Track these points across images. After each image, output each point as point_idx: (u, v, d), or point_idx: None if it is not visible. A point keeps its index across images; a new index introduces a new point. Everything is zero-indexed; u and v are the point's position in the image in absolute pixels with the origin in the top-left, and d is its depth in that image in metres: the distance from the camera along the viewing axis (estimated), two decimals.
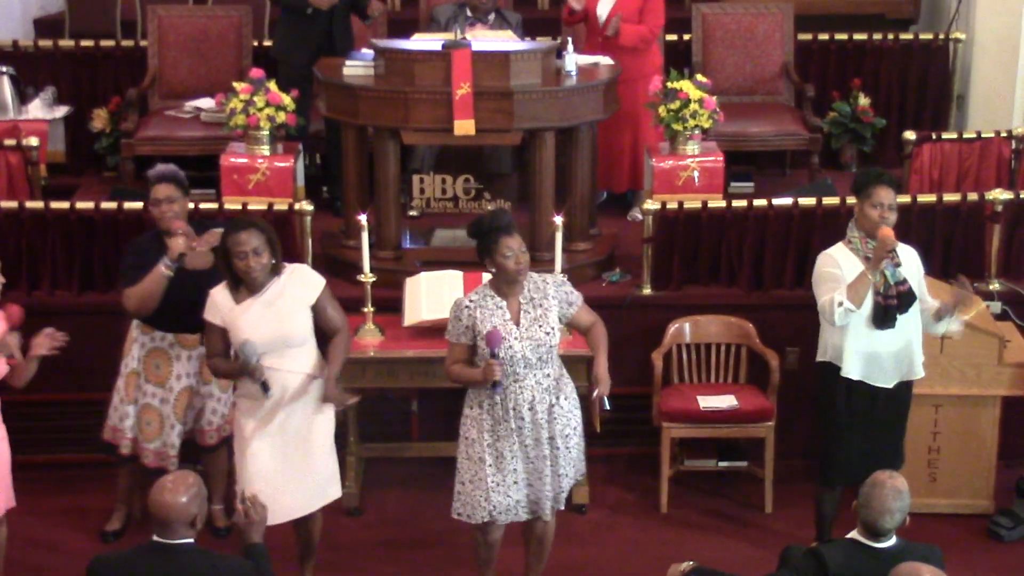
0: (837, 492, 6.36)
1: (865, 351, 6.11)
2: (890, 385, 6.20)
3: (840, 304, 5.98)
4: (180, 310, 6.23)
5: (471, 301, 5.76)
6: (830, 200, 7.51)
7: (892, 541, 4.88)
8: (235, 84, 7.74)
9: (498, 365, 5.63)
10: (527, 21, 8.75)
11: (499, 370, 5.63)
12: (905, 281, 6.05)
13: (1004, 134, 8.40)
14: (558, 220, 6.86)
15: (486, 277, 5.91)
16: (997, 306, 7.41)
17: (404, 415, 7.39)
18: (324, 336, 5.98)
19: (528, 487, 5.86)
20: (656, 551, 6.57)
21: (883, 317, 6.05)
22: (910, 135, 8.37)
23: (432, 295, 6.77)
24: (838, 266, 6.07)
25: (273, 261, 5.78)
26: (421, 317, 6.80)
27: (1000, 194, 7.57)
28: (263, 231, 5.75)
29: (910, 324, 6.15)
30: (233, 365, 5.83)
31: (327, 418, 5.97)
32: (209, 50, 8.93)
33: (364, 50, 7.81)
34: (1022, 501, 6.89)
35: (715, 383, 7.28)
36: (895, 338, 6.11)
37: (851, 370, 6.13)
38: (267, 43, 9.00)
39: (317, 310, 5.90)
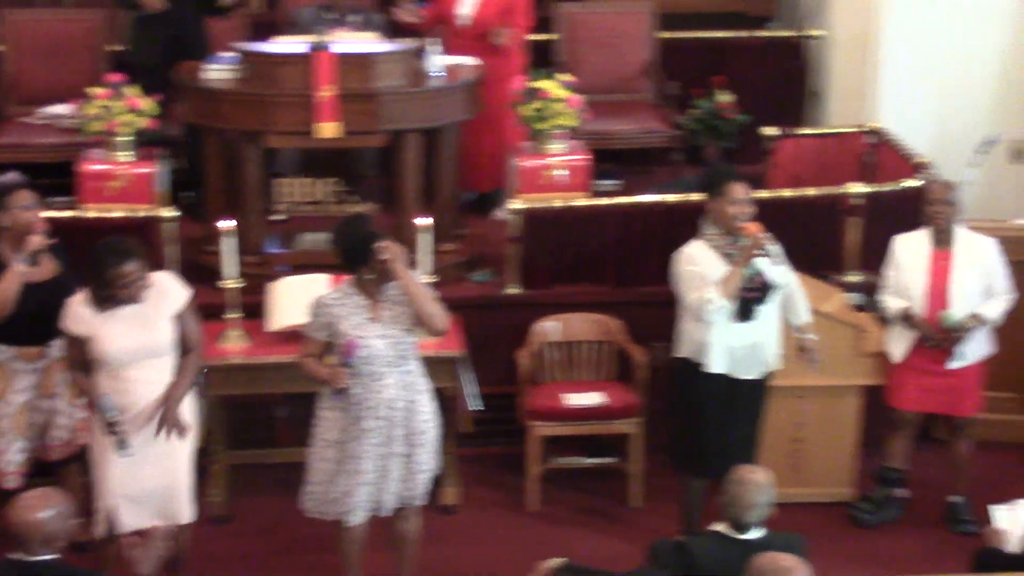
0: (702, 485, 6.44)
1: (727, 345, 6.20)
2: (751, 377, 6.29)
3: (711, 301, 6.04)
4: (22, 322, 6.09)
5: (332, 298, 5.77)
6: (693, 196, 7.60)
7: (757, 532, 4.95)
8: (92, 89, 7.60)
9: (344, 373, 5.66)
10: (392, 22, 8.72)
11: (344, 379, 5.67)
12: (762, 273, 6.15)
13: (859, 129, 8.58)
14: (424, 221, 6.85)
15: (318, 278, 5.92)
16: (857, 297, 7.54)
17: (271, 421, 7.32)
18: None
19: (383, 485, 5.88)
20: (527, 549, 6.57)
21: (744, 310, 6.15)
22: (770, 131, 8.52)
23: (296, 299, 6.73)
24: (696, 263, 6.14)
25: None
26: (285, 322, 6.76)
27: (857, 188, 7.71)
28: (139, 255, 5.68)
29: (769, 316, 6.25)
30: (93, 391, 5.74)
31: (189, 435, 5.90)
32: (65, 55, 8.77)
33: (225, 53, 7.74)
34: (882, 487, 7.04)
35: (583, 381, 7.33)
36: (755, 331, 6.21)
37: (714, 364, 6.21)
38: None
39: (178, 321, 5.84)
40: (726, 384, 6.26)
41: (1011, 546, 5.28)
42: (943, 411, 6.93)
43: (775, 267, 6.19)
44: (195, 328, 5.93)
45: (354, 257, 5.72)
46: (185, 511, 5.94)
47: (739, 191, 6.13)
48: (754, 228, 6.09)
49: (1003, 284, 6.72)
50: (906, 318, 6.74)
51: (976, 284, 6.65)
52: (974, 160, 7.42)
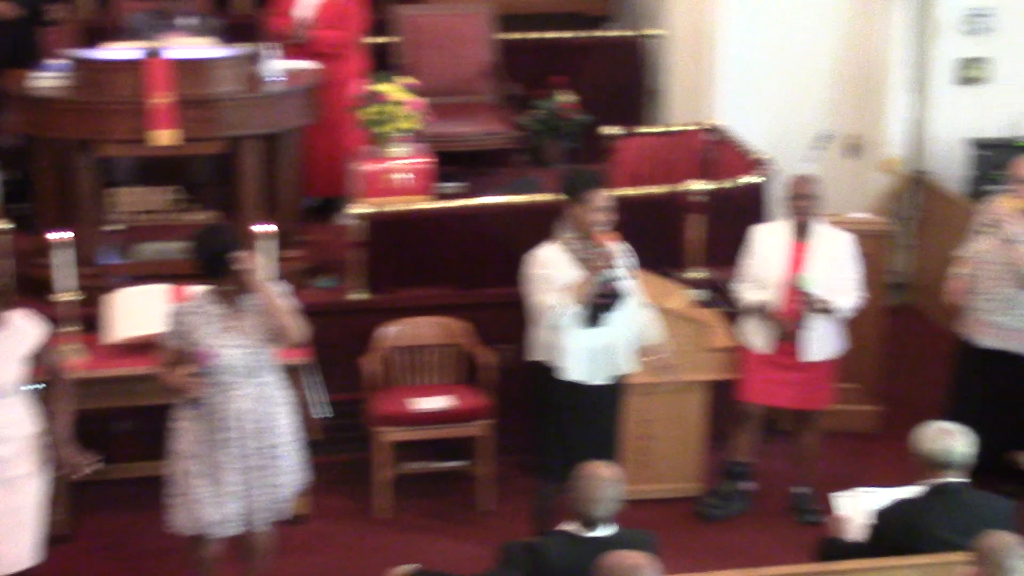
0: (555, 488, 6.44)
1: (577, 349, 6.19)
2: (602, 382, 6.31)
3: (553, 307, 6.06)
4: None
5: (190, 307, 5.70)
6: (537, 197, 7.64)
7: (607, 530, 4.96)
8: None
9: (199, 383, 5.59)
10: (228, 26, 8.61)
11: (199, 388, 5.59)
12: (615, 280, 6.17)
13: (698, 126, 8.70)
14: (265, 228, 6.77)
15: (195, 288, 5.80)
16: (702, 293, 7.62)
17: (110, 436, 7.17)
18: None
19: (244, 499, 5.79)
20: (377, 557, 6.53)
21: (594, 317, 6.16)
22: (611, 130, 8.59)
23: (134, 310, 6.60)
24: (547, 266, 6.14)
25: None
26: (124, 333, 6.63)
27: (698, 185, 7.80)
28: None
29: (622, 321, 6.26)
30: None
31: (38, 480, 5.68)
32: None
33: (55, 61, 7.56)
34: (729, 481, 7.13)
35: (430, 384, 7.30)
36: (606, 336, 6.23)
37: (565, 369, 6.22)
38: None
39: (35, 360, 5.63)
40: (578, 388, 6.27)
41: (852, 534, 5.38)
42: (794, 405, 7.01)
43: (623, 282, 6.20)
44: (57, 361, 5.74)
45: (211, 267, 5.63)
46: (25, 556, 5.67)
47: (601, 198, 6.13)
48: (608, 239, 6.09)
49: (855, 279, 6.82)
50: (762, 310, 6.81)
51: (830, 277, 6.74)
52: (810, 155, 7.53)
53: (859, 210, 8.62)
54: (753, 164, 8.08)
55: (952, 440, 5.14)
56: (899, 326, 8.63)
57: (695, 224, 7.81)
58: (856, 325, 7.11)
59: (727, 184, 7.88)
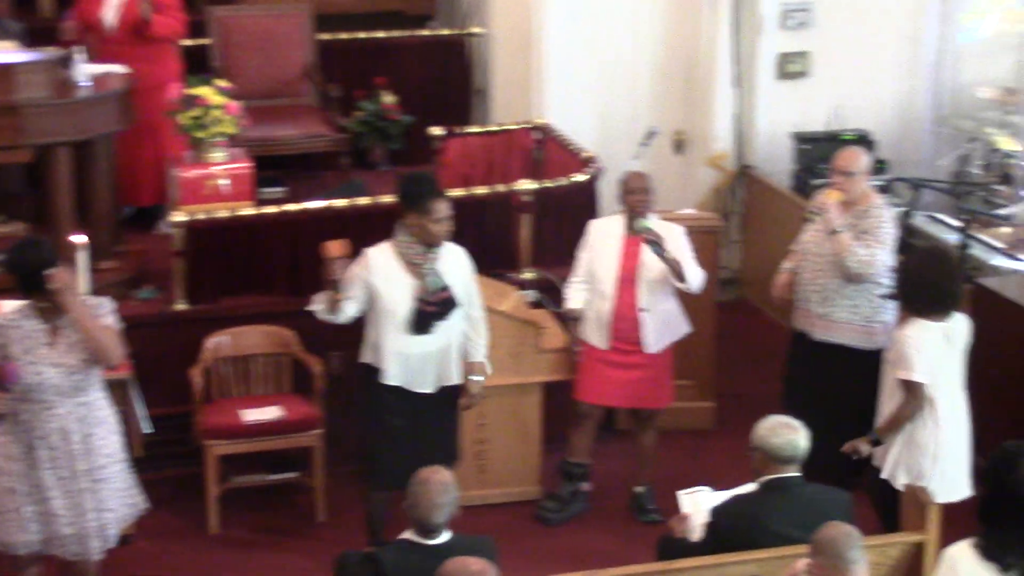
0: (386, 496, 6.40)
1: (402, 356, 6.17)
2: (430, 390, 6.28)
3: (317, 310, 6.13)
4: None
5: (8, 320, 5.57)
6: (362, 200, 7.60)
7: (444, 537, 4.95)
8: None
9: (4, 398, 5.49)
10: (30, 30, 8.40)
11: (3, 404, 5.50)
12: (447, 288, 6.15)
13: (526, 125, 8.74)
14: (79, 239, 6.62)
15: (12, 303, 5.69)
16: (533, 294, 7.66)
17: None
18: None
19: (69, 522, 5.65)
20: (208, 574, 6.43)
21: (420, 323, 6.13)
22: (437, 131, 8.58)
23: None
24: (368, 268, 6.12)
25: None
26: None
27: (526, 184, 7.83)
28: None
29: (451, 329, 6.25)
30: None
31: None
32: None
33: None
34: (567, 483, 7.17)
35: (259, 395, 7.21)
36: (435, 343, 6.20)
37: (389, 375, 6.19)
38: None
39: None
40: (405, 395, 6.24)
41: (694, 531, 5.44)
42: (633, 405, 7.07)
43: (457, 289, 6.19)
44: None
45: (27, 284, 5.50)
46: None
47: (443, 208, 6.11)
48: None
49: (693, 262, 6.86)
50: (574, 319, 6.88)
51: (663, 269, 6.80)
52: (638, 152, 7.62)
53: (688, 206, 8.77)
54: (582, 162, 8.12)
55: (795, 435, 5.22)
56: (731, 321, 8.80)
57: (525, 224, 7.83)
58: (688, 321, 7.19)
59: (556, 183, 7.92)
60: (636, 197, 6.80)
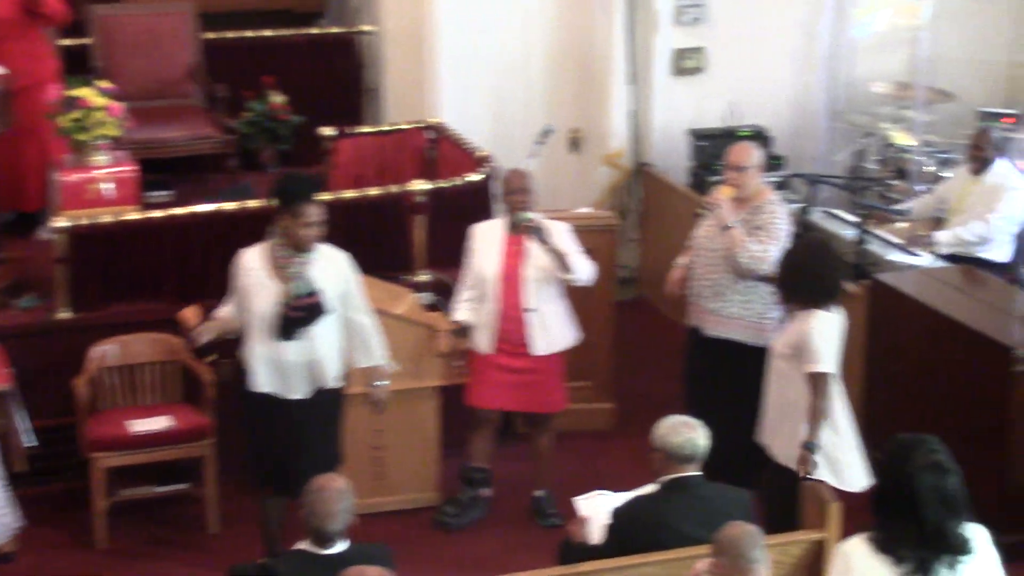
0: (279, 503, 6.36)
1: (271, 361, 6.11)
2: (301, 396, 6.22)
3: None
4: None
5: None
6: (251, 203, 7.55)
7: (341, 546, 4.92)
8: None
9: None
10: None
11: None
12: (314, 293, 6.10)
13: (420, 124, 8.74)
14: None
15: None
16: (428, 297, 7.65)
17: None
18: None
19: None
20: None
21: (285, 328, 6.08)
22: (328, 131, 8.54)
23: None
24: (245, 272, 6.09)
25: None
26: None
27: (420, 185, 7.83)
28: None
29: (324, 337, 6.19)
30: None
31: None
32: None
33: None
34: (467, 488, 7.16)
35: (147, 405, 7.13)
36: (304, 350, 6.15)
37: (257, 382, 6.15)
38: None
39: None
40: (276, 402, 6.19)
41: (592, 535, 5.46)
42: (525, 408, 7.09)
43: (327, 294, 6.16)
44: None
45: None
46: None
47: (314, 212, 6.07)
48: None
49: (581, 255, 6.88)
50: (462, 331, 6.91)
51: (548, 265, 6.81)
52: (534, 150, 7.62)
53: (584, 205, 8.82)
54: (476, 161, 8.14)
55: (694, 434, 5.26)
56: (629, 320, 8.85)
57: (419, 225, 7.83)
58: (586, 321, 7.23)
59: (450, 183, 7.93)
60: (517, 196, 6.79)
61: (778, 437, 6.12)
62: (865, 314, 7.29)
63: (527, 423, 7.30)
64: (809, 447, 5.89)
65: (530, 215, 6.73)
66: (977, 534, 4.51)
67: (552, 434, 7.15)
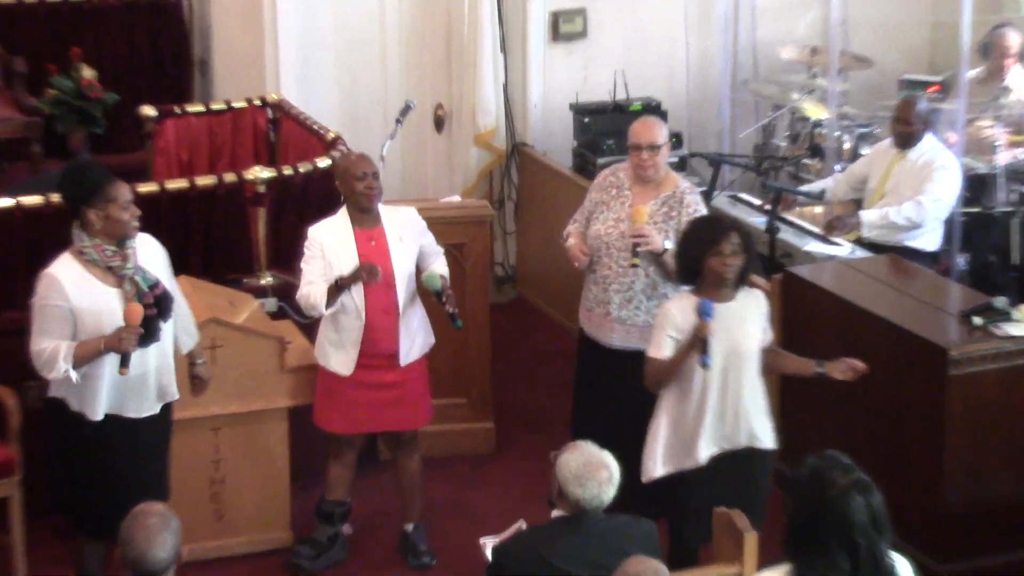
0: (102, 549, 6.24)
1: (118, 379, 5.98)
2: (150, 413, 6.13)
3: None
4: None
5: None
6: (57, 197, 7.35)
7: None
8: None
9: None
10: None
11: None
12: (158, 282, 6.01)
13: (258, 102, 8.68)
14: None
15: None
16: (272, 303, 7.60)
17: None
18: None
19: None
20: None
21: (148, 331, 5.95)
22: (149, 110, 8.43)
23: None
24: (59, 292, 5.88)
25: None
26: None
27: (261, 172, 7.74)
28: None
29: (167, 332, 6.10)
30: None
31: None
32: None
33: None
34: (325, 525, 7.08)
35: None
36: (154, 354, 6.04)
37: (96, 408, 6.00)
38: None
39: None
40: (120, 423, 6.06)
41: None
42: (394, 427, 7.00)
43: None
44: None
45: None
46: None
47: (126, 192, 5.95)
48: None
49: (437, 248, 6.89)
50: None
51: (413, 256, 6.78)
52: (393, 130, 7.59)
53: (453, 192, 8.81)
54: (326, 144, 8.08)
55: (605, 486, 5.21)
56: (508, 326, 8.90)
57: (260, 219, 7.76)
58: (454, 333, 7.13)
59: (296, 169, 7.84)
60: (364, 183, 6.70)
61: None
62: (778, 312, 7.29)
63: (391, 445, 7.24)
64: None
65: (435, 274, 6.73)
66: (900, 566, 4.55)
67: (420, 455, 7.09)
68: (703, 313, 5.92)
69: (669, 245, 6.64)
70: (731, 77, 10.03)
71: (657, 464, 6.15)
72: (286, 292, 7.60)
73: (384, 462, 7.50)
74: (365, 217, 6.77)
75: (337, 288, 6.63)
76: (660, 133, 6.83)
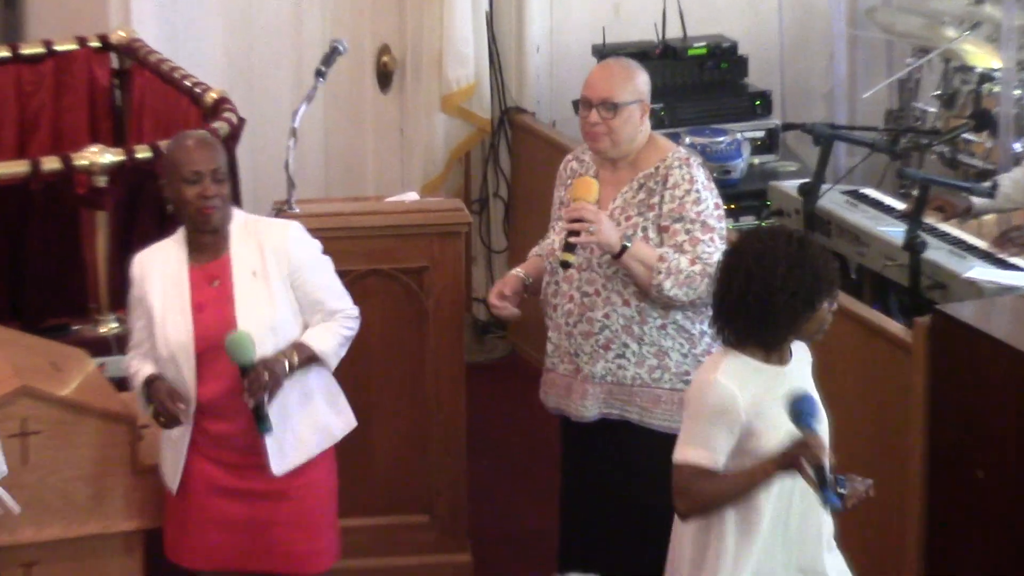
0: None
1: None
2: None
3: None
4: None
5: None
6: None
7: None
8: None
9: None
10: None
11: None
12: None
13: (96, 44, 8.95)
14: None
15: None
16: (118, 364, 7.49)
17: None
18: None
19: None
20: None
21: None
22: None
23: None
24: None
25: None
26: None
27: (101, 156, 7.90)
28: None
29: None
30: None
31: None
32: None
33: None
34: None
35: None
36: None
37: None
38: None
39: None
40: None
41: None
42: (266, 568, 6.94)
43: None
44: None
45: None
46: None
47: None
48: None
49: (338, 290, 6.80)
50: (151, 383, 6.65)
51: (280, 301, 6.63)
52: (312, 90, 7.42)
53: (410, 186, 9.05)
54: (204, 109, 8.12)
55: None
56: (494, 398, 9.16)
57: (101, 229, 7.76)
58: (410, 410, 7.42)
59: (155, 150, 7.78)
60: (197, 190, 6.49)
61: None
62: (924, 372, 7.30)
63: None
64: None
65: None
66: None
67: None
68: (803, 416, 5.66)
69: (632, 244, 6.67)
70: (848, 5, 9.98)
71: None
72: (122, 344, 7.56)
73: None
74: (205, 243, 6.58)
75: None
76: (624, 84, 6.90)
